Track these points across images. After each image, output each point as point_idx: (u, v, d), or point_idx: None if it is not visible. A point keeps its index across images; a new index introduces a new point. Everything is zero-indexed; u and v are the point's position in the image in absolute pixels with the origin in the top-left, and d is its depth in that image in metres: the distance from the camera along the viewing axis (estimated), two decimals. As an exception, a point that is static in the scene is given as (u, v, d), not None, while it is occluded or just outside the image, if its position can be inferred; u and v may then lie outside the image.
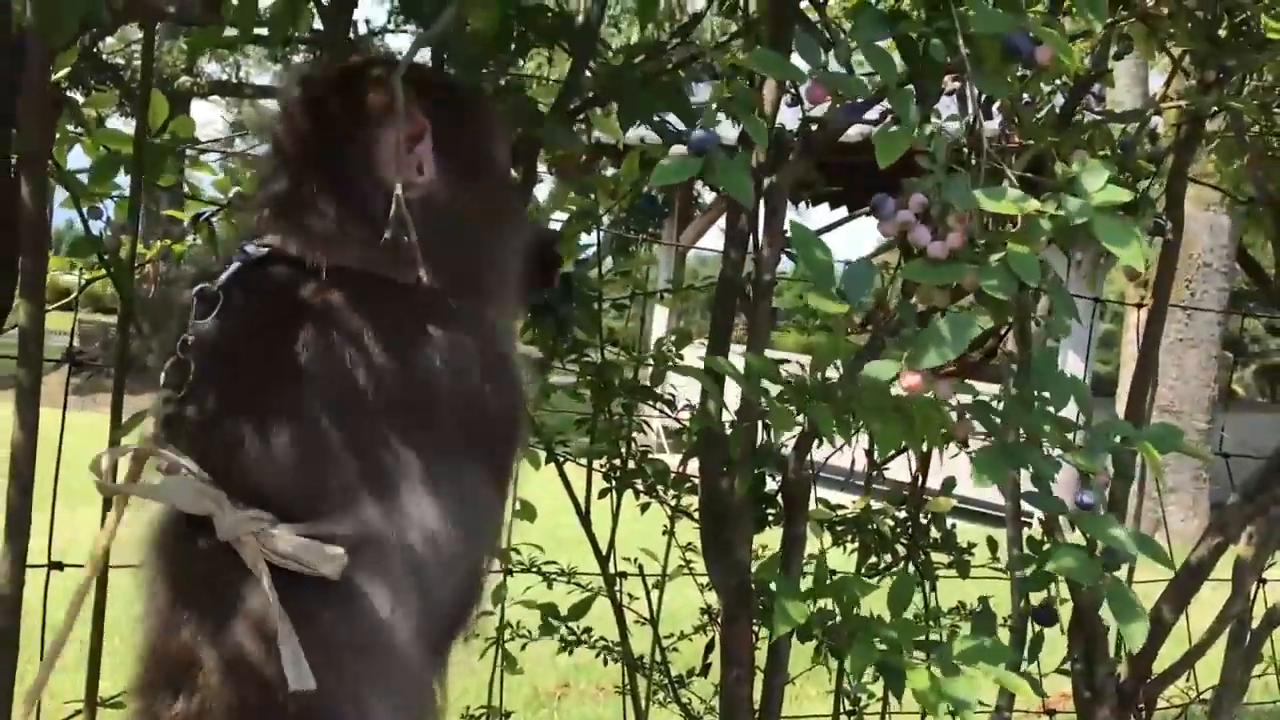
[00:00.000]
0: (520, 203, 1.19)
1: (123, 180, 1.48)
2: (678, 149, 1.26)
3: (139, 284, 1.64)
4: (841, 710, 2.07)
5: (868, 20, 1.10)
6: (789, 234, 1.62)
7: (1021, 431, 1.16)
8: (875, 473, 1.93)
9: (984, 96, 1.79)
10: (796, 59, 1.15)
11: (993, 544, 1.92)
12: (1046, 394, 1.20)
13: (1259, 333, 19.21)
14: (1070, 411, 1.21)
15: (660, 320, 7.50)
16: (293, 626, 0.93)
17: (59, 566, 1.66)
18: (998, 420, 1.15)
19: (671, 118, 1.55)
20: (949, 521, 1.92)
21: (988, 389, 1.21)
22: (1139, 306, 2.13)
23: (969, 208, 0.98)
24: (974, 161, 1.03)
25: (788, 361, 1.44)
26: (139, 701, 1.00)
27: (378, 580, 0.98)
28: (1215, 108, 1.64)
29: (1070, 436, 1.19)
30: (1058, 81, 2.08)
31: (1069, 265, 1.22)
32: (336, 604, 0.97)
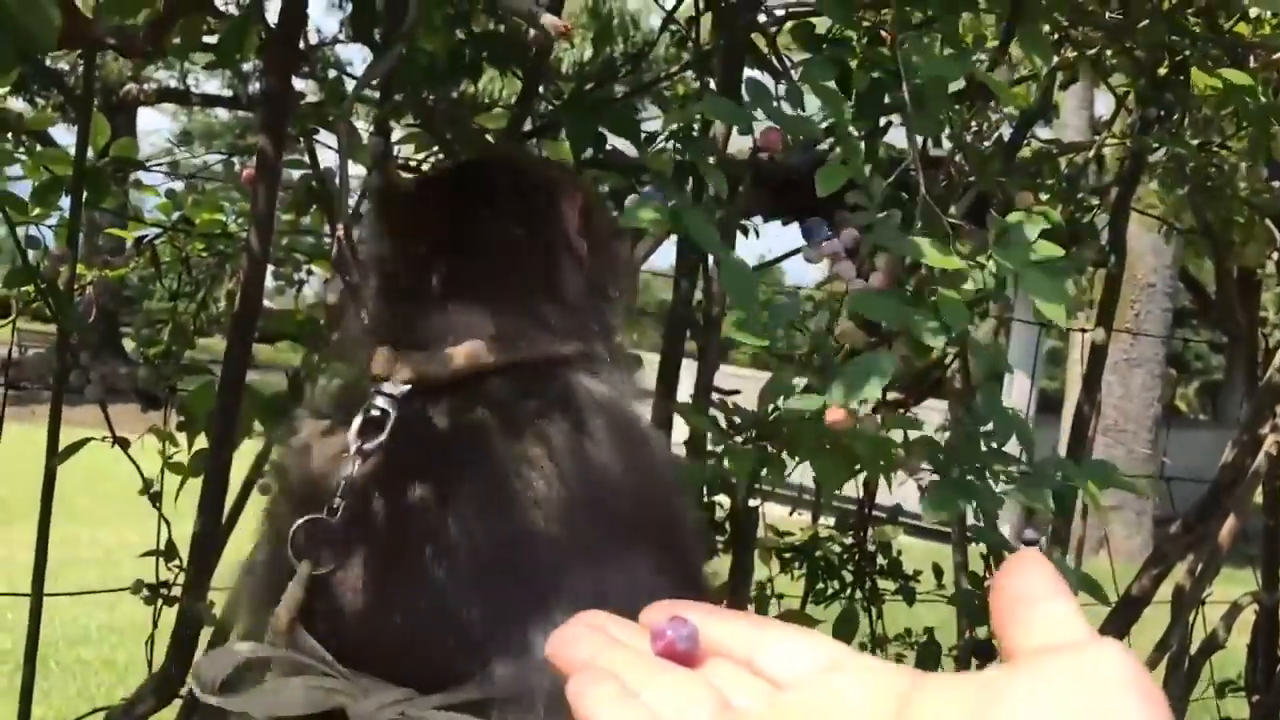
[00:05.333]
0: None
1: (64, 203, 1.45)
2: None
3: (78, 307, 1.61)
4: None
5: (818, 66, 1.10)
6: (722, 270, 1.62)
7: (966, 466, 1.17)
8: (822, 498, 1.93)
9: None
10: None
11: (938, 570, 1.94)
12: (990, 428, 1.21)
13: (1201, 350, 19.58)
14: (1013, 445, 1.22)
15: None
16: None
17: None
18: (942, 457, 1.16)
19: (622, 144, 1.55)
20: (895, 547, 1.93)
21: (936, 406, 1.20)
22: (1084, 331, 2.16)
23: (900, 254, 0.97)
24: (911, 202, 1.02)
25: (738, 393, 1.44)
26: None
27: None
28: (1156, 145, 1.67)
29: (1013, 469, 1.20)
30: (1006, 110, 2.11)
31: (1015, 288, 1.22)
32: None
